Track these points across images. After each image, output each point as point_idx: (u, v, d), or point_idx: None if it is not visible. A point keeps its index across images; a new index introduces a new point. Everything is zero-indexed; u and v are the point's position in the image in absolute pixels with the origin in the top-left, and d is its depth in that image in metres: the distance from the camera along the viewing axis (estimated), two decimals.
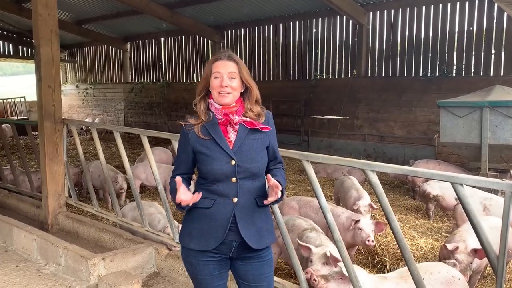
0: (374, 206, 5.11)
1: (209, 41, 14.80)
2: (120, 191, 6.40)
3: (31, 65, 26.72)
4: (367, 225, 4.08)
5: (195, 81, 15.42)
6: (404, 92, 10.36)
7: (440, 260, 3.71)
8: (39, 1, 4.75)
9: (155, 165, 3.99)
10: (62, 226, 5.06)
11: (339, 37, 11.91)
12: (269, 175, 2.08)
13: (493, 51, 9.52)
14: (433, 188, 6.01)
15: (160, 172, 4.90)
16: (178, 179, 2.04)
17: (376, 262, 4.53)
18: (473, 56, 9.78)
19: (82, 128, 15.50)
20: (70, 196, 5.26)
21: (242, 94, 2.20)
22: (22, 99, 19.00)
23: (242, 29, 13.95)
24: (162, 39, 16.47)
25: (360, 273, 2.77)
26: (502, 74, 9.34)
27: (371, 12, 11.07)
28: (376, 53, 11.22)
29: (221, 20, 13.76)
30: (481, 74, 9.63)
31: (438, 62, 10.20)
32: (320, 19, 12.14)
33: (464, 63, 9.86)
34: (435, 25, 10.17)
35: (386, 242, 4.78)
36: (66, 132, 5.23)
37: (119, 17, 14.61)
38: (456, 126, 6.87)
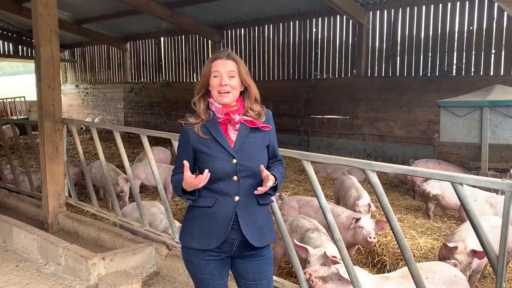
0: (373, 206, 5.12)
1: (209, 41, 14.79)
2: (121, 194, 6.38)
3: (31, 65, 26.71)
4: (368, 223, 4.10)
5: (195, 80, 15.41)
6: (404, 92, 10.36)
7: (439, 260, 3.71)
8: (39, 0, 4.74)
9: (155, 165, 3.99)
10: (62, 226, 5.06)
11: (339, 37, 11.91)
12: (261, 166, 2.08)
13: (493, 51, 9.52)
14: (433, 187, 6.01)
15: (160, 172, 4.91)
16: (186, 163, 2.03)
17: (376, 262, 4.53)
18: (473, 56, 9.77)
19: (82, 128, 15.50)
20: (70, 195, 5.26)
21: (242, 93, 2.21)
22: (22, 99, 19.00)
23: (242, 29, 13.94)
24: (162, 38, 16.46)
25: (361, 273, 2.77)
26: (502, 73, 9.34)
27: (371, 12, 11.06)
28: (376, 53, 11.21)
29: (221, 19, 13.76)
30: (481, 73, 9.63)
31: (438, 62, 10.20)
32: (320, 18, 12.13)
33: (464, 62, 9.86)
34: (435, 24, 10.17)
35: (386, 242, 4.78)
36: (66, 132, 5.23)
37: (119, 17, 14.60)
38: (456, 126, 6.87)
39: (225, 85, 2.11)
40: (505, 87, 7.11)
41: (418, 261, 4.33)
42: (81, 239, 4.74)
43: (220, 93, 2.13)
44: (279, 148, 2.36)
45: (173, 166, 2.32)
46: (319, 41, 12.23)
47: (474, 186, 4.92)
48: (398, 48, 10.85)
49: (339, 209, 4.66)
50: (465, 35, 9.80)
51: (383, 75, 11.16)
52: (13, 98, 19.04)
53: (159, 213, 4.47)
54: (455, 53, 10.03)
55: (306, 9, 12.12)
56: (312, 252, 3.22)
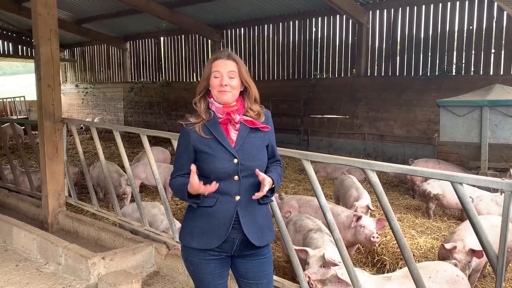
0: (371, 208, 5.12)
1: (209, 40, 14.79)
2: (123, 195, 6.37)
3: (30, 65, 26.72)
4: (369, 222, 4.10)
5: (194, 80, 15.42)
6: (404, 91, 10.36)
7: (439, 259, 3.72)
8: (39, 0, 4.74)
9: (155, 165, 3.99)
10: (62, 226, 5.07)
11: (339, 36, 11.91)
12: (257, 170, 2.09)
13: (492, 50, 9.52)
14: (433, 187, 6.01)
15: (160, 172, 4.91)
16: (193, 167, 2.04)
17: (375, 261, 4.53)
18: (473, 55, 9.78)
19: (82, 128, 15.49)
20: (70, 195, 5.26)
21: (241, 93, 2.21)
22: (22, 99, 19.01)
23: (242, 28, 13.94)
24: (162, 38, 16.46)
25: (361, 275, 2.77)
26: (501, 73, 9.34)
27: (371, 11, 11.07)
28: (376, 52, 11.21)
29: (220, 19, 13.76)
30: (481, 73, 9.63)
31: (438, 61, 10.20)
32: (320, 18, 12.14)
33: (463, 62, 9.86)
34: (435, 24, 10.17)
35: (386, 241, 4.78)
36: (66, 132, 5.23)
37: (118, 16, 14.60)
38: (456, 125, 6.87)
39: (226, 85, 2.12)
40: (505, 87, 7.11)
41: (418, 261, 4.33)
42: (81, 238, 4.75)
43: (219, 91, 2.14)
44: (278, 148, 2.37)
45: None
46: (319, 41, 12.23)
47: (474, 186, 4.94)
48: (398, 47, 10.86)
49: (339, 208, 4.66)
50: (465, 35, 9.81)
51: (383, 74, 11.17)
52: (13, 97, 19.06)
53: (160, 214, 4.47)
54: (454, 53, 10.03)
55: (306, 9, 12.12)
56: (311, 254, 3.22)
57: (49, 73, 4.86)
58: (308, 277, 2.92)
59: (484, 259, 3.57)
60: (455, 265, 3.34)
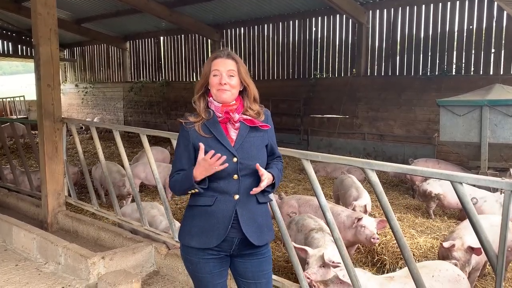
0: (369, 209, 5.11)
1: (209, 40, 14.79)
2: (128, 196, 6.37)
3: (30, 64, 26.68)
4: (370, 222, 4.09)
5: (194, 80, 15.41)
6: (404, 91, 10.36)
7: (439, 259, 3.72)
8: (38, 0, 4.74)
9: (155, 164, 3.99)
10: (62, 225, 5.06)
11: (338, 36, 11.91)
12: (258, 165, 2.09)
13: (492, 50, 9.52)
14: (434, 187, 6.01)
15: (160, 171, 4.91)
16: (202, 145, 2.04)
17: (375, 261, 4.53)
18: (473, 55, 9.78)
19: (81, 127, 15.50)
20: (69, 195, 5.26)
21: (241, 92, 2.22)
22: (22, 98, 19.00)
23: (242, 28, 13.94)
24: (162, 38, 16.46)
25: (363, 276, 2.77)
26: (501, 73, 9.34)
27: (370, 11, 11.06)
28: (376, 52, 11.21)
29: (220, 19, 13.76)
30: (481, 73, 9.63)
31: (437, 61, 10.20)
32: (319, 18, 12.13)
33: (463, 62, 9.86)
34: (435, 24, 10.17)
35: (386, 241, 4.78)
36: (66, 131, 5.23)
37: (118, 16, 14.60)
38: (455, 125, 6.87)
39: (225, 84, 2.13)
40: (505, 86, 7.11)
41: (418, 261, 4.33)
42: (80, 238, 4.74)
43: (218, 90, 2.14)
44: (279, 147, 2.37)
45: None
46: (319, 40, 12.22)
47: (474, 185, 4.93)
48: (398, 47, 10.85)
49: (339, 208, 4.66)
50: (465, 34, 9.81)
51: (382, 74, 11.16)
52: (13, 97, 19.05)
53: (159, 215, 4.46)
54: (454, 52, 10.03)
55: (305, 8, 12.11)
56: (311, 253, 3.22)
57: (48, 72, 4.86)
58: (310, 278, 2.92)
59: (484, 258, 3.58)
60: (455, 264, 3.35)
